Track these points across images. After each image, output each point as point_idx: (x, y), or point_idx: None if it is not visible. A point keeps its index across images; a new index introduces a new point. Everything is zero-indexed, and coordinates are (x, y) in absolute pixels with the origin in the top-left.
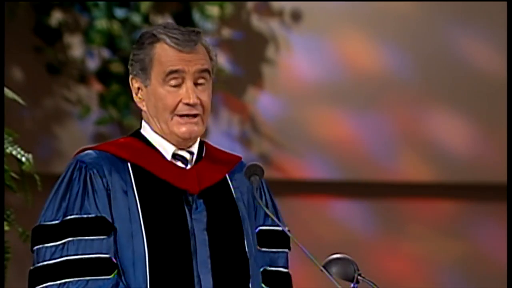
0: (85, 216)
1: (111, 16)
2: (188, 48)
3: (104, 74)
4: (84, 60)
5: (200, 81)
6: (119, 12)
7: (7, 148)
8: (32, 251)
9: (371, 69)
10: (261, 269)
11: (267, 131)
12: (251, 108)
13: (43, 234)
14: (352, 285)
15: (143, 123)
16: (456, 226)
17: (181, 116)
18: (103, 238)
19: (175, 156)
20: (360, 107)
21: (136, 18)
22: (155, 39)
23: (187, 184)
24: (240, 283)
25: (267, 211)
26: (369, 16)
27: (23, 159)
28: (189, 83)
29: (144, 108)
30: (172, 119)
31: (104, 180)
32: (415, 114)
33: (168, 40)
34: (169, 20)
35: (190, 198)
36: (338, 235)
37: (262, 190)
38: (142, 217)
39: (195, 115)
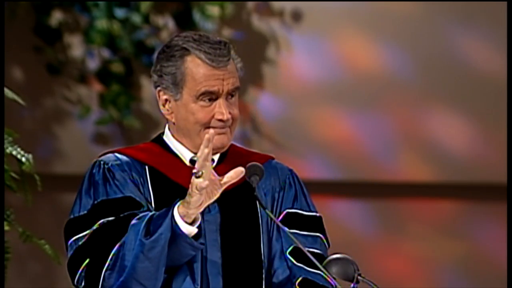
0: (111, 198)
1: (111, 16)
2: (221, 64)
3: (104, 74)
4: (84, 60)
5: (232, 94)
6: (119, 12)
7: (7, 148)
8: (67, 246)
9: (371, 69)
10: (290, 248)
11: (268, 131)
12: (252, 108)
13: (74, 226)
14: (352, 285)
15: (166, 130)
16: (456, 226)
17: (212, 128)
18: (133, 213)
19: (193, 162)
20: (360, 107)
21: (136, 18)
22: (185, 52)
23: None
24: (252, 284)
25: (268, 213)
26: (369, 16)
27: (23, 159)
28: (222, 101)
29: (173, 120)
30: (203, 130)
31: (125, 173)
32: (415, 114)
33: (201, 55)
34: (169, 20)
35: None
36: (338, 235)
37: (291, 180)
38: None
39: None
